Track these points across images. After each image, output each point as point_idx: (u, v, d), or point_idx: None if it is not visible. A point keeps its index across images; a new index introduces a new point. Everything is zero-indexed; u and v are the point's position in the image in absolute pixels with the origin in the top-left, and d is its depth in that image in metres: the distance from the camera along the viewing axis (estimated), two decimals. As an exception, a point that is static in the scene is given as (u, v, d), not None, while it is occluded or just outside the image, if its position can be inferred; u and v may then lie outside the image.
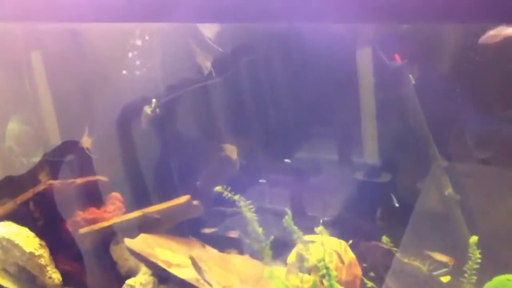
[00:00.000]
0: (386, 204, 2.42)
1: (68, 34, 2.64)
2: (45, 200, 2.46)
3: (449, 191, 2.36)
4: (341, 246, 2.26)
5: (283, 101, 2.73)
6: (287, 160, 2.70)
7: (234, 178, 2.72)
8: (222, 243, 2.54)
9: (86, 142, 2.51)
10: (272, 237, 2.32)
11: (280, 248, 2.35)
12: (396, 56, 2.30)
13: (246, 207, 2.33)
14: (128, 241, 2.27)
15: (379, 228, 2.46)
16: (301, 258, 2.21)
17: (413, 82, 2.30)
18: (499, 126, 2.31)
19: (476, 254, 2.12)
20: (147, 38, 2.62)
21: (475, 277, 2.10)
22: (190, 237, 2.49)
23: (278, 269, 2.33)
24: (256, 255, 2.39)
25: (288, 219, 2.16)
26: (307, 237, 2.23)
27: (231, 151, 2.79)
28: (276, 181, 2.85)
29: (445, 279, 2.21)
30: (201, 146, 2.82)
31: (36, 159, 2.65)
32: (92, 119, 2.65)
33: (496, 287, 1.97)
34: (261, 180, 2.76)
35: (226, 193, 2.29)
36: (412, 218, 2.38)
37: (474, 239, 2.12)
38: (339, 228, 2.47)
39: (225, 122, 2.84)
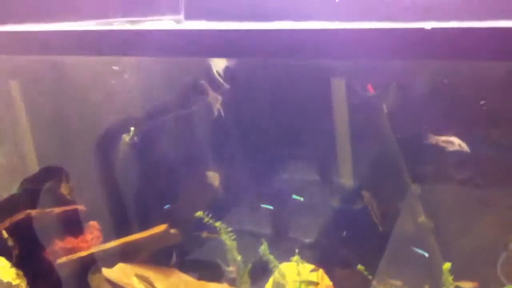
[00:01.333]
0: (360, 230, 2.45)
1: (46, 64, 2.66)
2: (23, 229, 2.45)
3: (422, 218, 2.40)
4: (318, 273, 2.29)
5: (265, 128, 2.77)
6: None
7: (217, 204, 2.73)
8: (201, 271, 2.55)
9: (65, 188, 2.53)
10: (249, 266, 2.34)
11: (260, 273, 2.37)
12: (369, 86, 2.36)
13: (226, 235, 2.35)
14: (105, 271, 2.27)
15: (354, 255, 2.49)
16: (278, 286, 2.24)
17: (386, 111, 2.36)
18: (477, 148, 2.36)
19: (449, 280, 2.16)
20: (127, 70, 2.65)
21: (450, 303, 2.14)
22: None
23: (256, 297, 2.35)
24: (234, 282, 2.41)
25: (264, 249, 2.18)
26: (284, 265, 2.25)
27: (214, 178, 2.80)
28: (258, 204, 2.88)
29: (420, 304, 2.25)
30: (182, 174, 2.83)
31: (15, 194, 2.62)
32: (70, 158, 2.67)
33: (470, 312, 2.01)
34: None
35: (207, 219, 2.32)
36: (387, 245, 2.42)
37: (447, 265, 2.16)
38: (317, 254, 2.51)
39: (206, 149, 2.87)
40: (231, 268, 2.38)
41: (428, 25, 1.38)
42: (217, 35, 1.66)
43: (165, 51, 1.74)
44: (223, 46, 1.69)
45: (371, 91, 2.39)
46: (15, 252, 2.44)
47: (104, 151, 2.65)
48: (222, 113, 2.42)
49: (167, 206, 2.71)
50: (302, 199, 2.59)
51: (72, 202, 2.53)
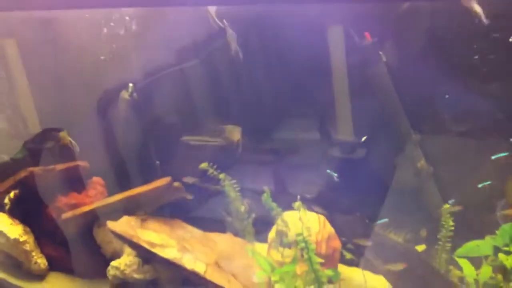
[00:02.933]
0: (361, 179, 2.48)
1: (45, 23, 2.64)
2: (27, 187, 2.49)
3: (421, 163, 2.43)
4: (320, 221, 2.32)
5: (263, 82, 2.76)
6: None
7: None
8: (206, 223, 2.57)
9: (64, 138, 2.56)
10: (253, 215, 2.37)
11: (264, 225, 2.40)
12: (367, 34, 2.35)
13: (230, 186, 2.37)
14: (110, 223, 2.29)
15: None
16: (280, 234, 2.27)
17: (384, 59, 2.36)
18: (476, 100, 2.38)
19: (449, 222, 2.20)
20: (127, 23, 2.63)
21: (449, 245, 2.18)
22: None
23: (260, 246, 2.38)
24: (239, 233, 2.44)
25: (266, 197, 2.20)
26: (287, 213, 2.28)
27: (232, 132, 2.73)
28: (259, 160, 2.88)
29: (421, 248, 2.29)
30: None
31: (18, 155, 2.64)
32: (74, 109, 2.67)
33: (467, 253, 2.05)
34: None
35: (211, 170, 2.33)
36: (388, 192, 2.45)
37: (446, 206, 2.20)
38: (319, 203, 2.53)
39: (207, 104, 2.84)
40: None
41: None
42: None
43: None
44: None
45: (368, 39, 2.38)
46: (22, 209, 2.48)
47: (104, 108, 2.66)
48: (240, 52, 2.40)
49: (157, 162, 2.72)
50: (336, 175, 2.59)
51: (75, 157, 2.56)
